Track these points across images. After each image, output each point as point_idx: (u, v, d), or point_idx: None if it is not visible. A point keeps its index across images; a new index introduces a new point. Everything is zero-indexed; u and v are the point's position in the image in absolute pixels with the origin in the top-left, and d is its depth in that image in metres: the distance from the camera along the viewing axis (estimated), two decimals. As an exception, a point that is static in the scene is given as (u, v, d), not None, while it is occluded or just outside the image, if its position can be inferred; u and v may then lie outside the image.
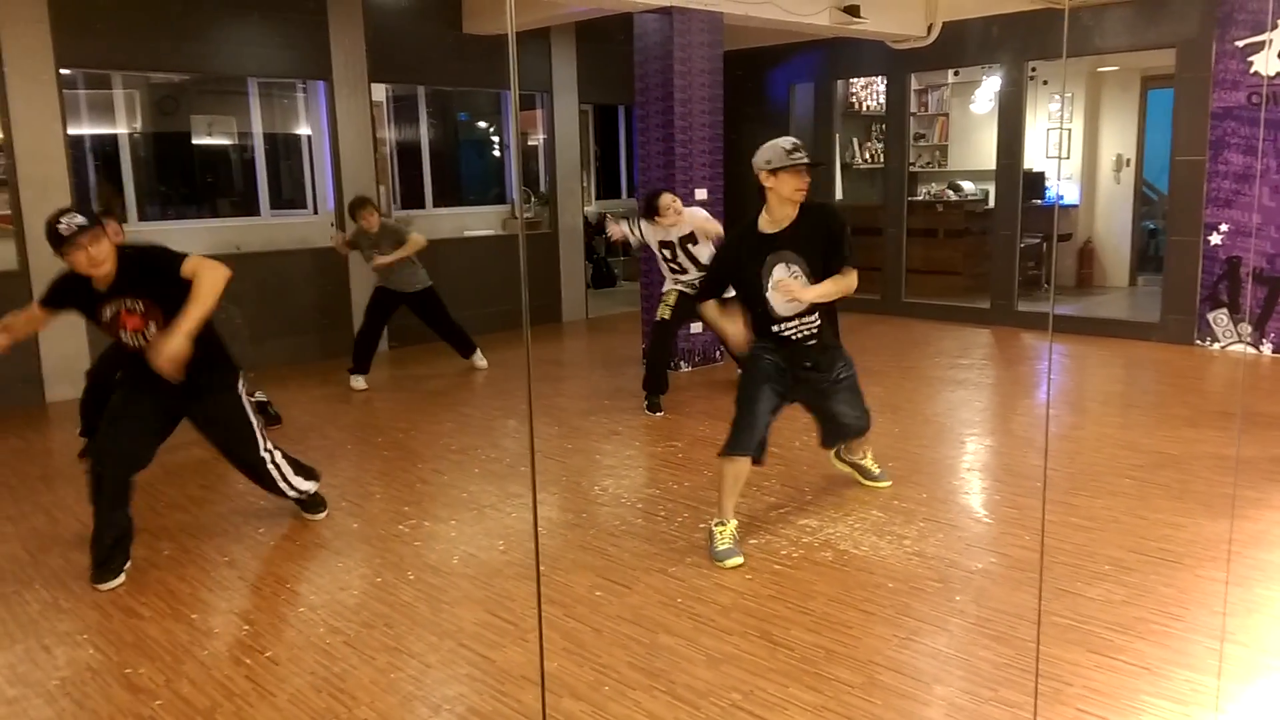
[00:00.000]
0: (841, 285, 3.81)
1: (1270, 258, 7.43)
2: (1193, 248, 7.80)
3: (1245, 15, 7.31)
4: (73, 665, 3.18)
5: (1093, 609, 3.35)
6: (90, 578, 3.81)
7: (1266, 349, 7.55)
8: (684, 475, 4.94)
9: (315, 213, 8.50)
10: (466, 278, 8.69)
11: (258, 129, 8.19)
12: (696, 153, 7.26)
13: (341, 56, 8.07)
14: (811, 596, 3.52)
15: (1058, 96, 10.26)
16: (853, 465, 4.63)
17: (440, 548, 4.08)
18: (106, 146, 7.63)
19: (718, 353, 7.54)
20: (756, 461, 3.97)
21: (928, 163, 11.46)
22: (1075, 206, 10.53)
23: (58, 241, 3.56)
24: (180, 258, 3.76)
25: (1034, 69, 9.34)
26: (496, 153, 10.57)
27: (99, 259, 3.61)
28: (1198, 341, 7.84)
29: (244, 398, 4.07)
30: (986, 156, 9.75)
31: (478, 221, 9.67)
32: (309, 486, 4.33)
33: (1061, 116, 10.35)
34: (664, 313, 6.22)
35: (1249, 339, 7.60)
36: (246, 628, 3.43)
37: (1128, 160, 10.37)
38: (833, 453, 4.66)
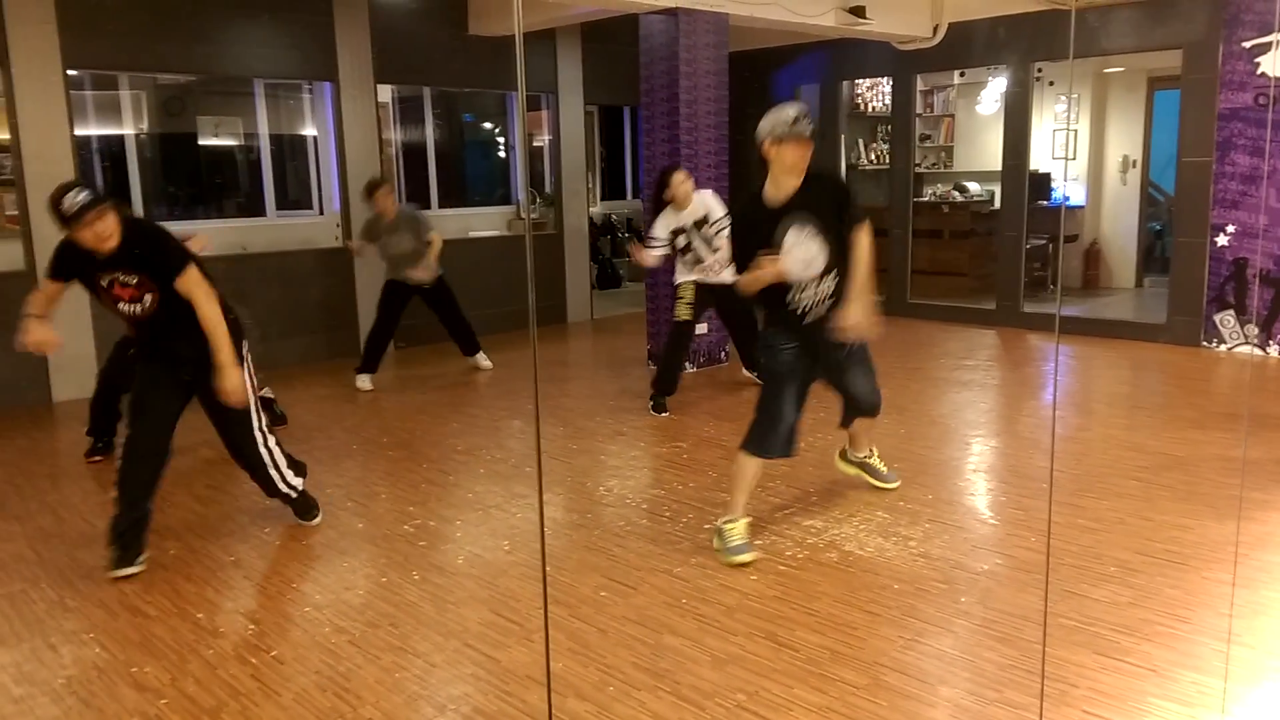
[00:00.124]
0: (864, 253, 3.83)
1: (1277, 259, 7.41)
2: (1199, 249, 7.78)
3: (1252, 16, 7.30)
4: (79, 664, 3.19)
5: (1099, 610, 3.34)
6: (109, 564, 3.84)
7: (1273, 350, 7.53)
8: (689, 476, 4.94)
9: (321, 213, 8.52)
10: (471, 279, 8.69)
11: (264, 130, 8.21)
12: (702, 154, 7.27)
13: (347, 57, 8.08)
14: (816, 597, 3.51)
15: (1064, 97, 10.24)
16: (860, 465, 4.60)
17: (445, 548, 4.09)
18: (113, 147, 7.65)
19: (723, 353, 7.54)
20: (788, 454, 4.00)
21: (933, 164, 11.45)
22: (1081, 208, 10.52)
23: (62, 220, 3.58)
24: (184, 261, 3.83)
25: (1040, 70, 9.33)
26: (502, 154, 10.58)
27: (105, 234, 3.64)
28: (1204, 343, 7.82)
29: (249, 379, 4.09)
30: (992, 157, 9.73)
31: (483, 222, 9.68)
32: (297, 482, 4.32)
33: (1068, 117, 10.34)
34: (684, 312, 6.18)
35: (1255, 340, 7.58)
36: (252, 627, 3.43)
37: (1134, 161, 10.35)
38: (838, 454, 4.65)
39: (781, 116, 3.70)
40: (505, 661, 3.12)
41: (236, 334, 4.04)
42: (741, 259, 3.89)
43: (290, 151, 8.60)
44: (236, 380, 3.87)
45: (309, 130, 8.50)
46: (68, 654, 3.26)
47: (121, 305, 3.83)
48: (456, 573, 3.83)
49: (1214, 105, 7.55)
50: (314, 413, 6.40)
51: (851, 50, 9.54)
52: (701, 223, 6.04)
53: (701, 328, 7.21)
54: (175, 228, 4.24)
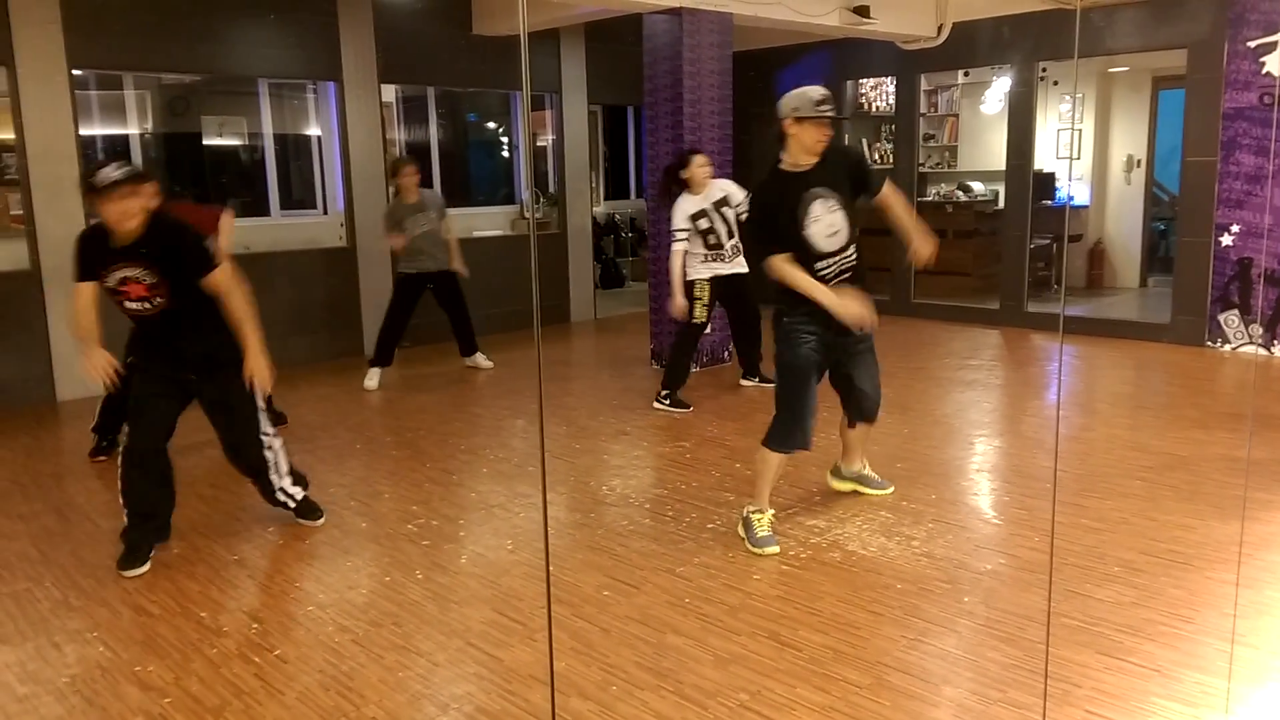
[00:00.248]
0: (900, 201, 4.13)
1: (1282, 259, 7.40)
2: (1204, 249, 7.76)
3: (1257, 16, 7.28)
4: (83, 663, 3.20)
5: (1102, 610, 3.33)
6: (119, 563, 3.86)
7: (1277, 350, 7.51)
8: (692, 475, 4.94)
9: (325, 213, 8.53)
10: (475, 278, 8.69)
11: (268, 129, 8.22)
12: (706, 153, 7.25)
13: (351, 57, 8.09)
14: (819, 597, 3.51)
15: (1068, 97, 10.23)
16: (855, 479, 4.58)
17: (448, 547, 4.09)
18: (118, 147, 7.66)
19: (725, 353, 7.53)
20: (807, 446, 4.04)
21: (937, 163, 11.43)
22: (1086, 207, 10.50)
23: (91, 190, 3.59)
24: (211, 263, 3.85)
25: (1044, 69, 9.31)
26: (505, 153, 10.58)
27: (129, 213, 3.64)
28: (1208, 343, 7.80)
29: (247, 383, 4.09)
30: (996, 157, 9.72)
31: (486, 222, 9.68)
32: (296, 491, 4.31)
33: (1072, 117, 10.32)
34: (701, 315, 6.19)
35: (1260, 340, 7.57)
36: (255, 626, 3.44)
37: (1138, 161, 10.33)
38: (830, 472, 4.64)
39: (808, 96, 3.77)
40: (508, 661, 3.12)
41: (226, 357, 4.02)
42: (768, 232, 3.91)
43: (294, 151, 8.61)
44: (264, 365, 3.89)
45: (313, 130, 8.51)
46: (72, 653, 3.27)
47: (129, 304, 3.81)
48: (460, 572, 3.83)
49: (1219, 105, 7.54)
50: (317, 412, 6.41)
51: (856, 50, 9.53)
52: (721, 204, 6.07)
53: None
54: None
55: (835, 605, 3.44)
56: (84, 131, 7.04)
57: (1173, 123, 9.12)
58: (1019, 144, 8.86)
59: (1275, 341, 7.51)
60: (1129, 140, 10.36)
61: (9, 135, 6.64)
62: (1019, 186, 8.89)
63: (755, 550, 3.89)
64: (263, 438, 4.13)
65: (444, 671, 3.08)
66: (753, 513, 4.00)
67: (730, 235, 6.12)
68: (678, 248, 6.03)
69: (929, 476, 4.82)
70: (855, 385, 4.18)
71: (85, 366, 3.82)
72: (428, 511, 4.52)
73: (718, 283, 6.18)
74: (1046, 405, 6.44)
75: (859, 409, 4.29)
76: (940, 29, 8.91)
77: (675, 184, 6.13)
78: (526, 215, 9.76)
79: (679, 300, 6.03)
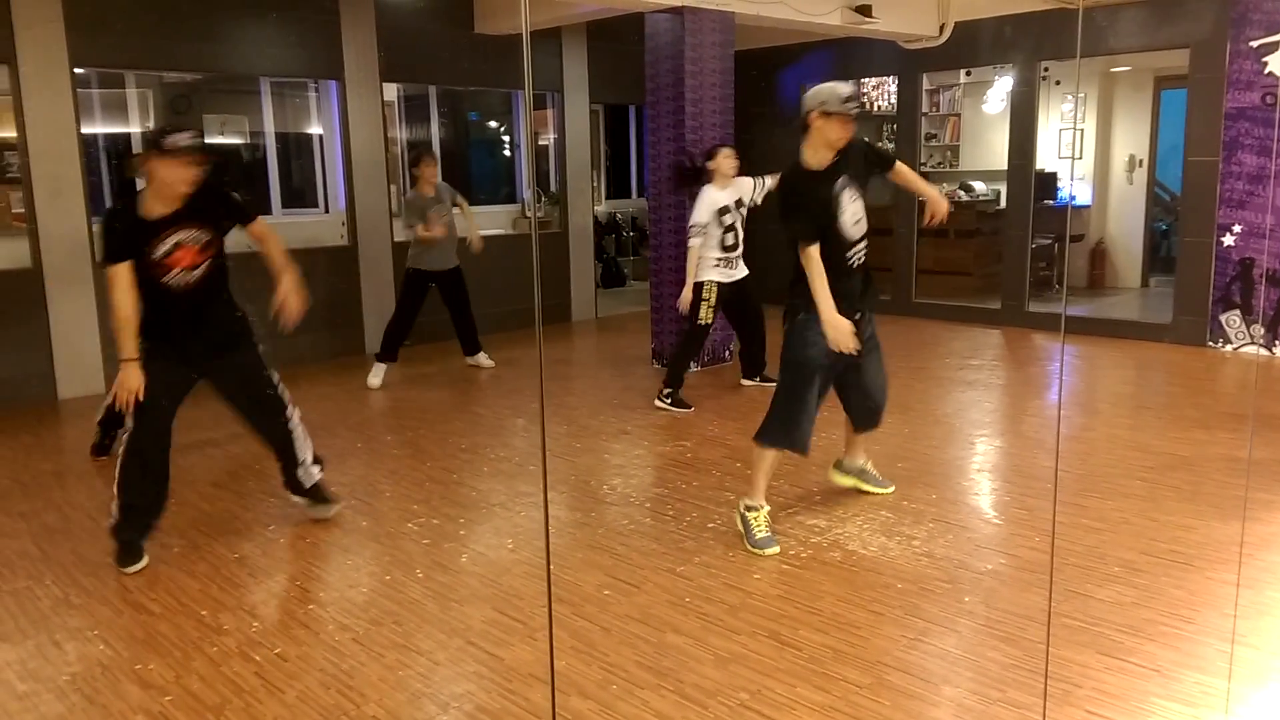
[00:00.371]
0: (913, 173, 4.38)
1: (1284, 259, 7.40)
2: (1205, 249, 7.76)
3: (1260, 15, 7.27)
4: (83, 661, 3.20)
5: (1103, 611, 3.33)
6: (117, 560, 3.87)
7: (1279, 350, 7.51)
8: (692, 475, 4.94)
9: (326, 212, 8.53)
10: (476, 277, 8.70)
11: (270, 128, 8.23)
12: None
13: (353, 56, 8.09)
14: (820, 597, 3.51)
15: (1070, 97, 10.22)
16: (857, 474, 4.58)
17: (449, 546, 4.09)
18: (120, 145, 7.66)
19: (726, 352, 7.53)
20: (805, 449, 4.04)
21: (939, 163, 11.43)
22: (1087, 207, 10.49)
23: (160, 150, 3.60)
24: (250, 211, 4.01)
25: (1046, 69, 9.30)
26: (507, 152, 10.58)
27: (189, 179, 3.68)
28: (1210, 343, 7.80)
29: (263, 358, 4.12)
30: (998, 157, 9.71)
31: (488, 221, 9.66)
32: (315, 471, 4.33)
33: (1074, 117, 10.31)
34: (708, 316, 6.21)
35: (1261, 340, 7.56)
36: (256, 624, 3.44)
37: (1140, 161, 10.32)
38: (833, 466, 4.63)
39: (835, 92, 3.84)
40: (508, 660, 3.12)
41: (246, 330, 4.06)
42: (799, 223, 3.90)
43: (296, 150, 8.61)
44: (300, 295, 3.97)
45: (315, 128, 8.52)
46: (72, 651, 3.27)
47: (173, 275, 3.76)
48: (460, 571, 3.83)
49: (1221, 104, 7.53)
50: (318, 411, 6.40)
51: (857, 49, 9.52)
52: (739, 203, 6.11)
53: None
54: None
55: (836, 605, 3.44)
56: (86, 130, 7.04)
57: (1175, 122, 9.12)
58: (1021, 143, 8.85)
59: (1277, 342, 7.51)
60: (1131, 140, 10.35)
61: (11, 133, 6.65)
62: (1021, 186, 8.88)
63: (756, 551, 3.89)
64: (290, 414, 4.18)
65: (444, 670, 3.08)
66: (749, 510, 3.99)
67: (740, 241, 6.14)
68: (694, 242, 6.06)
69: (930, 476, 4.81)
70: (864, 383, 4.17)
71: (123, 379, 3.69)
72: (428, 510, 4.52)
73: (725, 288, 6.19)
74: (1047, 405, 6.44)
75: (862, 417, 4.31)
76: (942, 28, 8.91)
77: (697, 176, 6.16)
78: (528, 214, 9.76)
79: (688, 294, 6.11)
